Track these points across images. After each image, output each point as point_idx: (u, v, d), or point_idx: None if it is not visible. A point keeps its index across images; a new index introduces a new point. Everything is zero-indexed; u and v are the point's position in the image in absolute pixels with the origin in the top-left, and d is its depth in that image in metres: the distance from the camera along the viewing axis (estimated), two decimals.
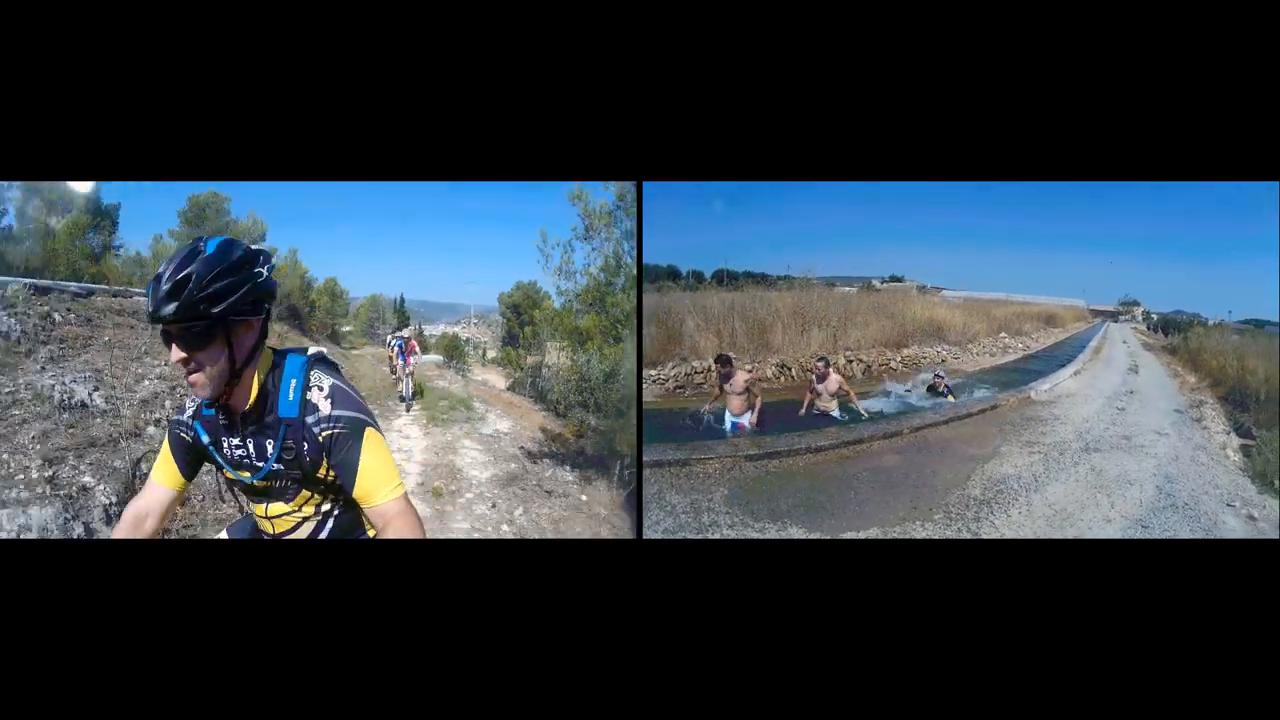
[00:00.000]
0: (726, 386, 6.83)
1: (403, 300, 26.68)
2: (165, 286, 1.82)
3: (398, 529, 2.00)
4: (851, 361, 10.57)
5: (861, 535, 4.43)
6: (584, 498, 8.05)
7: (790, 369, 9.71)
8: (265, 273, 1.96)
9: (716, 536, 4.52)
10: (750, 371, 8.09)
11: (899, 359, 10.96)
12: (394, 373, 14.90)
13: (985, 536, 4.40)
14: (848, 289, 14.48)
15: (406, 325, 19.52)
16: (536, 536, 6.87)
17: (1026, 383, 9.58)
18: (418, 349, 15.19)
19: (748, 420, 6.76)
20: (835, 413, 7.93)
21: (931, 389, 8.93)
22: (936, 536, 4.38)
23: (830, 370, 8.04)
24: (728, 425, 6.81)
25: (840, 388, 7.99)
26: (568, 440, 9.90)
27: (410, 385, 13.71)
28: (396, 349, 14.66)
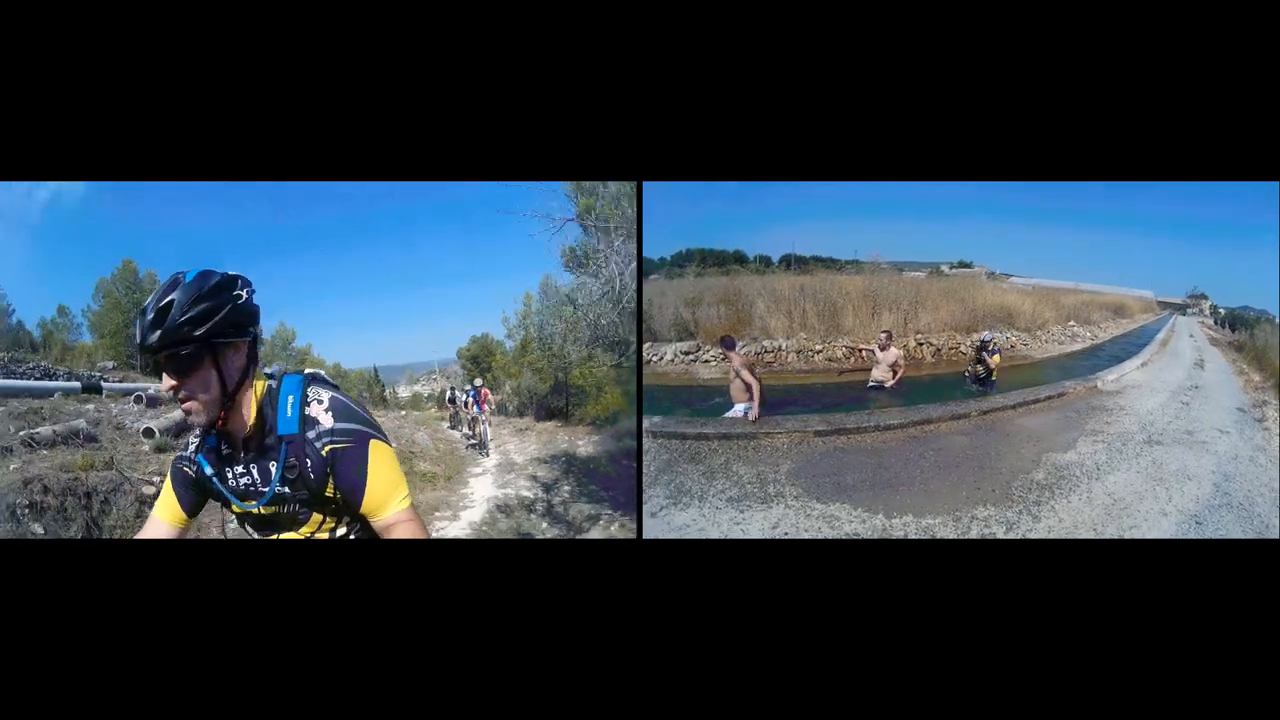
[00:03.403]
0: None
1: (376, 371, 28.24)
2: (150, 316, 1.83)
3: (403, 537, 1.98)
4: (922, 344, 10.71)
5: (896, 521, 4.54)
6: (523, 426, 16.64)
7: (860, 351, 9.90)
8: (245, 295, 1.95)
9: (722, 528, 4.64)
10: (748, 355, 8.07)
11: (969, 343, 11.04)
12: (453, 424, 15.59)
13: (1020, 529, 4.47)
14: (916, 274, 14.52)
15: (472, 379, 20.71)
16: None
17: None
18: (490, 397, 15.53)
19: (746, 410, 6.40)
20: (889, 383, 8.20)
21: (981, 347, 8.91)
22: (996, 517, 4.48)
23: (891, 344, 8.33)
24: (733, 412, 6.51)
25: (897, 362, 8.26)
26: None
27: (488, 431, 14.18)
28: (471, 399, 15.00)
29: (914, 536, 4.27)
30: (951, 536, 4.26)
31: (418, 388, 33.96)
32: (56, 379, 11.13)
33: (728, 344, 6.59)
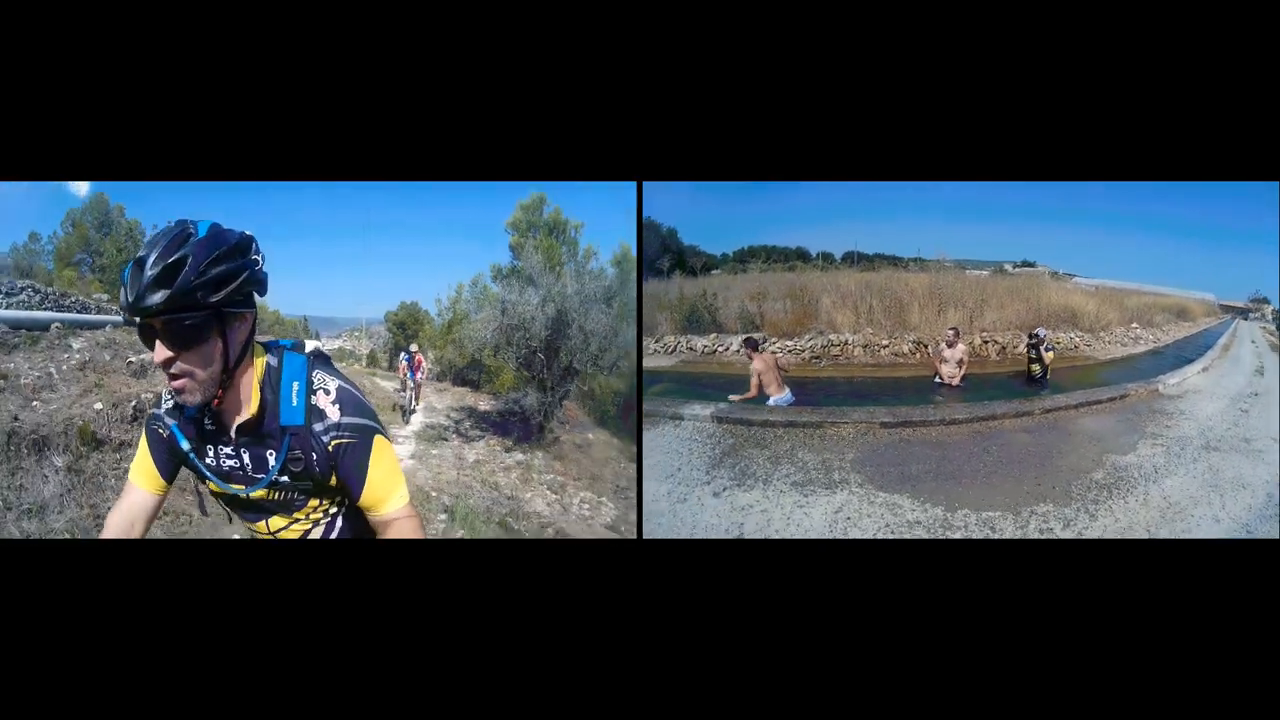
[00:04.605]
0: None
1: (305, 321, 28.56)
2: (153, 272, 1.62)
3: (400, 535, 1.93)
4: (987, 343, 10.80)
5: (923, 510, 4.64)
6: (442, 388, 20.21)
7: (927, 346, 10.06)
8: (260, 260, 1.81)
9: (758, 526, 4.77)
10: (773, 354, 8.37)
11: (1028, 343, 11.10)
12: (403, 387, 15.68)
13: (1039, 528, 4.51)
14: (980, 272, 14.52)
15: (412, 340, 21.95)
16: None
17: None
18: (424, 363, 16.14)
19: (785, 401, 7.08)
20: (955, 380, 8.42)
21: (1032, 346, 8.88)
22: (1055, 514, 4.56)
23: (959, 340, 8.52)
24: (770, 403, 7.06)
25: (963, 360, 8.46)
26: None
27: (414, 398, 14.96)
28: (405, 362, 15.33)
29: (973, 527, 4.39)
30: (1011, 529, 4.38)
31: (341, 343, 34.69)
32: (90, 312, 12.38)
33: (750, 344, 7.29)
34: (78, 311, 12.15)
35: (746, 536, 4.42)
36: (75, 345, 9.11)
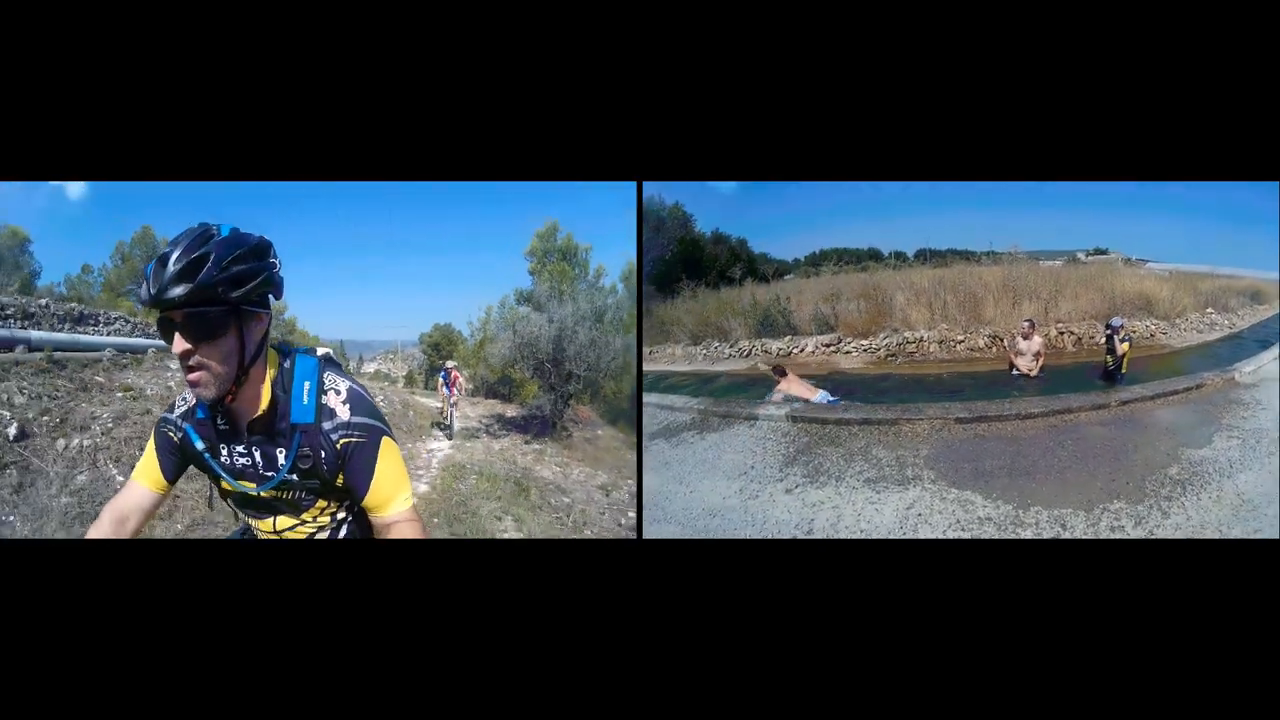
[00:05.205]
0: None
1: (342, 345, 29.11)
2: (176, 267, 1.69)
3: (403, 537, 1.97)
4: (1063, 334, 10.70)
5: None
6: (474, 401, 22.03)
7: (1003, 340, 10.10)
8: (278, 264, 1.88)
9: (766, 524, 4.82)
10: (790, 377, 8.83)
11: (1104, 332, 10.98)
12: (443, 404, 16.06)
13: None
14: (1053, 263, 14.34)
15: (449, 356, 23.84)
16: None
17: None
18: (461, 379, 16.50)
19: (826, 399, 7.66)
20: (1033, 373, 8.45)
21: (1108, 339, 8.47)
22: (1127, 511, 4.52)
23: (1034, 332, 8.57)
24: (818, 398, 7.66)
25: (1040, 351, 8.51)
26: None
27: (454, 414, 15.50)
28: (441, 379, 15.77)
29: (1044, 525, 4.43)
30: (1082, 527, 4.39)
31: (377, 365, 35.45)
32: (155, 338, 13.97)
33: (779, 372, 8.14)
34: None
35: (815, 531, 4.54)
36: (173, 366, 10.27)
